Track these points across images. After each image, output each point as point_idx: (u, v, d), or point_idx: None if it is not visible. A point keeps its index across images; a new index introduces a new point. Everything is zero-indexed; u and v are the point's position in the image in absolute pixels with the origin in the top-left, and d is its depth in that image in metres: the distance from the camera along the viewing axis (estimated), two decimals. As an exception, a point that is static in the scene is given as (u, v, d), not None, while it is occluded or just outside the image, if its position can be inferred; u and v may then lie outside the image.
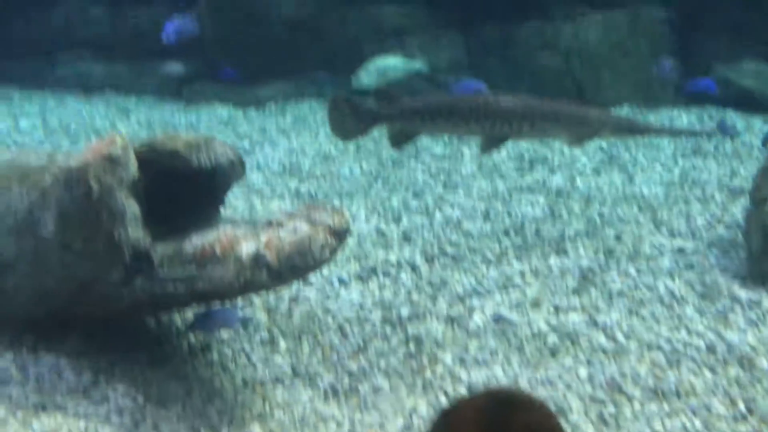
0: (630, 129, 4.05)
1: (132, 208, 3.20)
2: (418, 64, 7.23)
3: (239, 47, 7.45)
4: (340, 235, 3.16)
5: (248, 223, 3.57)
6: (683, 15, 7.27)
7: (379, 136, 6.71)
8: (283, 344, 3.75)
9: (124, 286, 3.28)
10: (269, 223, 3.28)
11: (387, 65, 7.04)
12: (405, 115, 3.94)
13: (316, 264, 3.13)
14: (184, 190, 3.54)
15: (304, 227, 3.16)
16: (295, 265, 3.07)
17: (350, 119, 3.92)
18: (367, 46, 7.51)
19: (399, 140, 4.08)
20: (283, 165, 6.01)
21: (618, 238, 4.66)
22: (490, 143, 4.01)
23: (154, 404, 3.28)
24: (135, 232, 3.19)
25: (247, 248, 3.15)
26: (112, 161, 3.11)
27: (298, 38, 7.60)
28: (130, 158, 3.20)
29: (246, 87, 7.64)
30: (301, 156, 6.22)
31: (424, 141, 6.46)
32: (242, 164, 3.65)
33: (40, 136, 6.74)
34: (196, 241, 3.26)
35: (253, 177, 5.76)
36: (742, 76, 6.92)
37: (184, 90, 7.86)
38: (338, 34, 7.67)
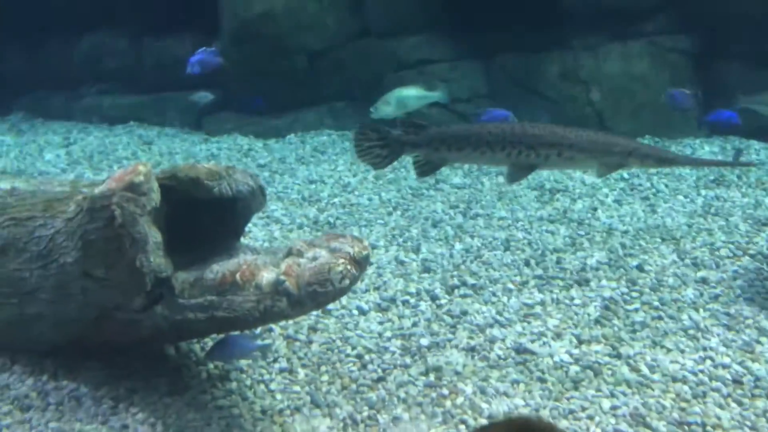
0: (658, 159, 3.98)
1: (154, 235, 3.23)
2: (437, 94, 7.28)
3: (261, 78, 7.55)
4: (360, 263, 3.15)
5: (268, 251, 3.58)
6: (706, 45, 7.26)
7: (399, 165, 6.75)
8: (302, 373, 3.73)
9: (145, 313, 3.30)
10: (289, 252, 3.29)
11: (406, 96, 7.09)
12: (432, 144, 3.92)
13: (337, 292, 3.12)
14: (205, 218, 3.57)
15: (324, 255, 3.16)
16: (316, 293, 3.06)
17: (377, 148, 3.93)
18: (387, 77, 7.59)
19: (425, 170, 4.06)
20: (302, 194, 6.05)
21: (640, 268, 4.61)
22: (517, 173, 3.97)
23: (172, 433, 3.26)
24: (157, 259, 3.21)
25: (267, 276, 3.16)
26: (135, 189, 3.15)
27: (319, 69, 7.70)
28: (153, 186, 3.23)
29: (266, 117, 7.74)
30: (320, 185, 6.26)
31: (444, 171, 6.47)
32: (263, 193, 3.67)
33: (64, 165, 6.84)
34: (217, 269, 3.28)
35: (273, 207, 5.80)
36: (766, 107, 6.87)
37: (204, 121, 7.98)
38: (359, 65, 7.76)
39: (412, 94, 7.06)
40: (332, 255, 3.15)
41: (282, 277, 3.10)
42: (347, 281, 3.09)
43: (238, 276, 3.20)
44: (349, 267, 3.09)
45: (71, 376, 3.63)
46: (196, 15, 7.74)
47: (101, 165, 6.78)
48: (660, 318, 4.04)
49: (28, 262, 3.56)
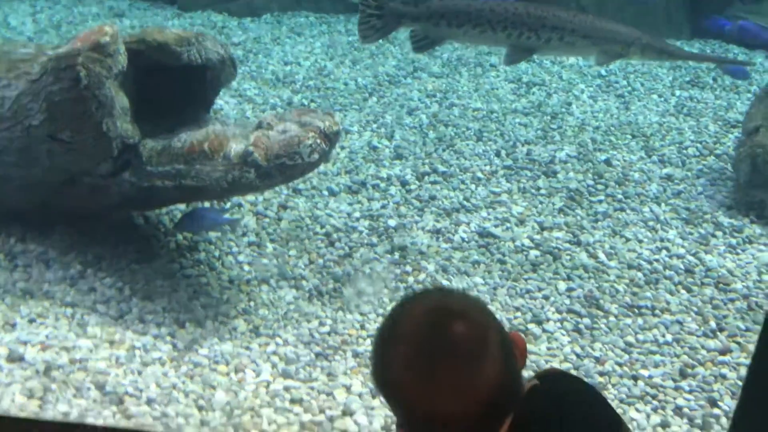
0: (659, 51, 3.88)
1: (121, 100, 3.17)
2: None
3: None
4: (330, 138, 3.14)
5: (238, 124, 3.55)
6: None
7: (376, 50, 6.62)
8: (270, 248, 3.79)
9: (112, 179, 3.28)
10: (259, 125, 3.26)
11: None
12: (431, 18, 3.78)
13: (305, 166, 3.12)
14: (173, 88, 3.50)
15: (294, 129, 3.14)
16: (284, 165, 3.06)
17: (374, 17, 3.78)
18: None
19: (421, 45, 3.90)
20: (276, 75, 5.93)
21: (608, 162, 4.67)
22: (516, 55, 3.84)
23: (140, 297, 3.33)
24: (124, 125, 3.17)
25: (236, 147, 3.14)
26: (101, 50, 3.06)
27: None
28: (120, 49, 3.14)
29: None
30: (295, 67, 6.13)
31: (422, 60, 6.37)
32: (233, 64, 3.59)
33: (30, 34, 6.58)
34: (185, 138, 3.25)
35: (246, 86, 5.69)
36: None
37: (178, -4, 7.67)
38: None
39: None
40: (302, 129, 3.14)
41: (251, 149, 3.09)
42: (316, 155, 3.09)
43: (206, 145, 3.18)
44: (318, 141, 3.09)
45: (39, 240, 3.65)
46: None
47: (68, 35, 6.53)
48: (622, 210, 4.14)
49: (-8, 124, 3.49)
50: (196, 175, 3.16)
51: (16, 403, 2.66)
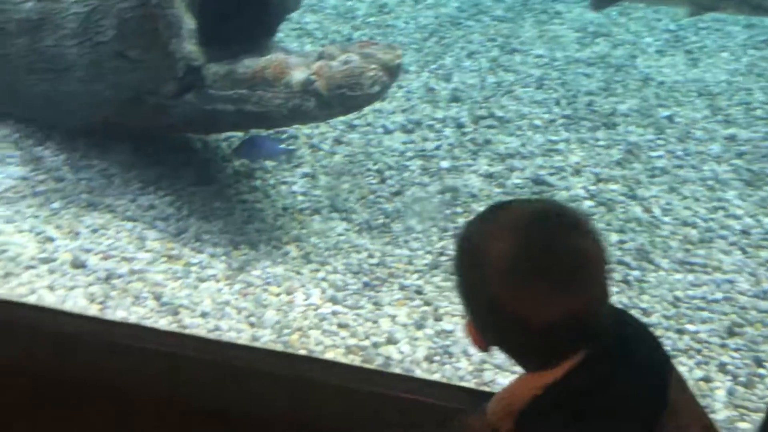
0: (756, 6, 3.72)
1: (188, 22, 3.21)
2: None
3: None
4: (392, 71, 3.14)
5: (300, 53, 3.57)
6: None
7: (440, -8, 6.49)
8: (323, 180, 3.84)
9: (176, 99, 3.35)
10: (321, 55, 3.27)
11: None
12: None
13: (366, 98, 3.13)
14: (238, 13, 3.52)
15: (356, 60, 3.14)
16: (345, 96, 3.08)
17: None
18: None
19: (602, 1, 3.77)
20: (337, 10, 5.89)
21: (670, 119, 4.56)
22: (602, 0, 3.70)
23: (197, 217, 3.44)
24: (190, 46, 3.22)
25: (297, 75, 3.17)
26: (171, -30, 3.08)
27: None
28: (189, -30, 3.17)
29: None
30: (356, 3, 6.07)
31: (486, 3, 6.24)
32: (299, -7, 3.59)
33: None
34: (248, 64, 3.28)
35: (306, 19, 5.68)
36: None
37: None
38: None
39: None
40: (364, 60, 3.13)
41: (312, 77, 3.11)
42: (377, 87, 3.10)
43: (268, 72, 3.21)
44: (380, 73, 3.09)
45: (102, 156, 3.77)
46: None
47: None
48: (681, 167, 4.05)
49: (63, 39, 3.58)
50: (257, 100, 3.21)
51: (78, 306, 2.81)
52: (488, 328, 1.38)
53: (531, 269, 1.29)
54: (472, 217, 3.35)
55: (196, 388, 1.84)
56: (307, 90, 3.11)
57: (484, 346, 1.42)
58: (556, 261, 1.29)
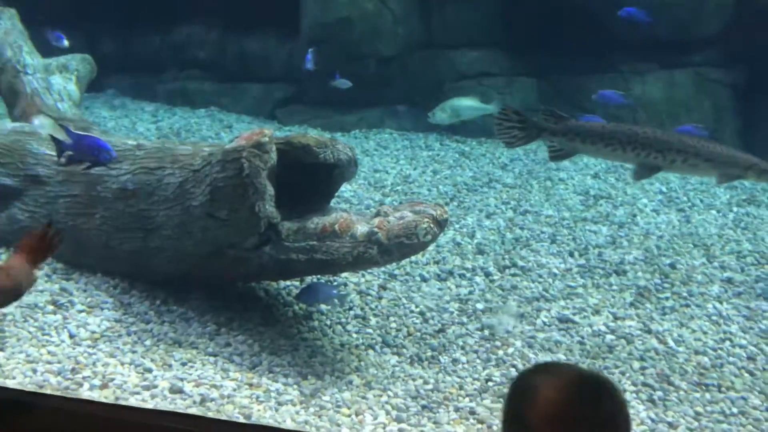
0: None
1: (269, 188, 3.89)
2: (491, 107, 7.84)
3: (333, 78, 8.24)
4: (440, 224, 3.77)
5: (357, 213, 4.23)
6: (751, 79, 7.81)
7: (454, 163, 7.38)
8: (373, 320, 4.35)
9: (255, 251, 3.95)
10: (378, 213, 3.92)
11: (462, 106, 7.67)
12: (568, 134, 4.28)
13: (419, 245, 3.74)
14: (304, 182, 4.22)
15: (409, 215, 3.79)
16: (402, 244, 3.68)
17: (516, 129, 4.32)
18: (447, 86, 8.23)
19: (558, 155, 4.43)
20: (368, 180, 6.70)
21: (672, 266, 5.16)
22: (644, 172, 4.33)
23: (268, 353, 3.91)
24: (270, 207, 3.87)
25: (361, 228, 3.79)
26: (260, 147, 3.81)
27: (386, 74, 8.37)
28: (273, 148, 3.90)
29: (334, 112, 8.43)
30: (383, 174, 6.90)
31: (497, 173, 7.09)
32: (356, 164, 4.32)
33: (153, 139, 7.58)
34: (317, 221, 3.93)
35: (342, 189, 6.43)
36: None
37: (277, 112, 8.70)
38: (422, 72, 8.41)
39: (467, 105, 7.65)
40: (417, 215, 3.78)
41: (375, 229, 3.74)
42: (429, 237, 3.72)
43: (336, 226, 3.84)
44: (432, 225, 3.72)
45: (180, 303, 4.30)
46: (277, 15, 8.47)
47: (187, 139, 7.51)
48: (687, 306, 4.59)
49: (155, 204, 4.25)
50: (326, 250, 3.81)
51: (178, 426, 3.20)
52: None
53: (573, 418, 1.63)
54: (509, 350, 3.83)
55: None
56: (370, 240, 3.72)
57: None
58: (594, 415, 1.66)
